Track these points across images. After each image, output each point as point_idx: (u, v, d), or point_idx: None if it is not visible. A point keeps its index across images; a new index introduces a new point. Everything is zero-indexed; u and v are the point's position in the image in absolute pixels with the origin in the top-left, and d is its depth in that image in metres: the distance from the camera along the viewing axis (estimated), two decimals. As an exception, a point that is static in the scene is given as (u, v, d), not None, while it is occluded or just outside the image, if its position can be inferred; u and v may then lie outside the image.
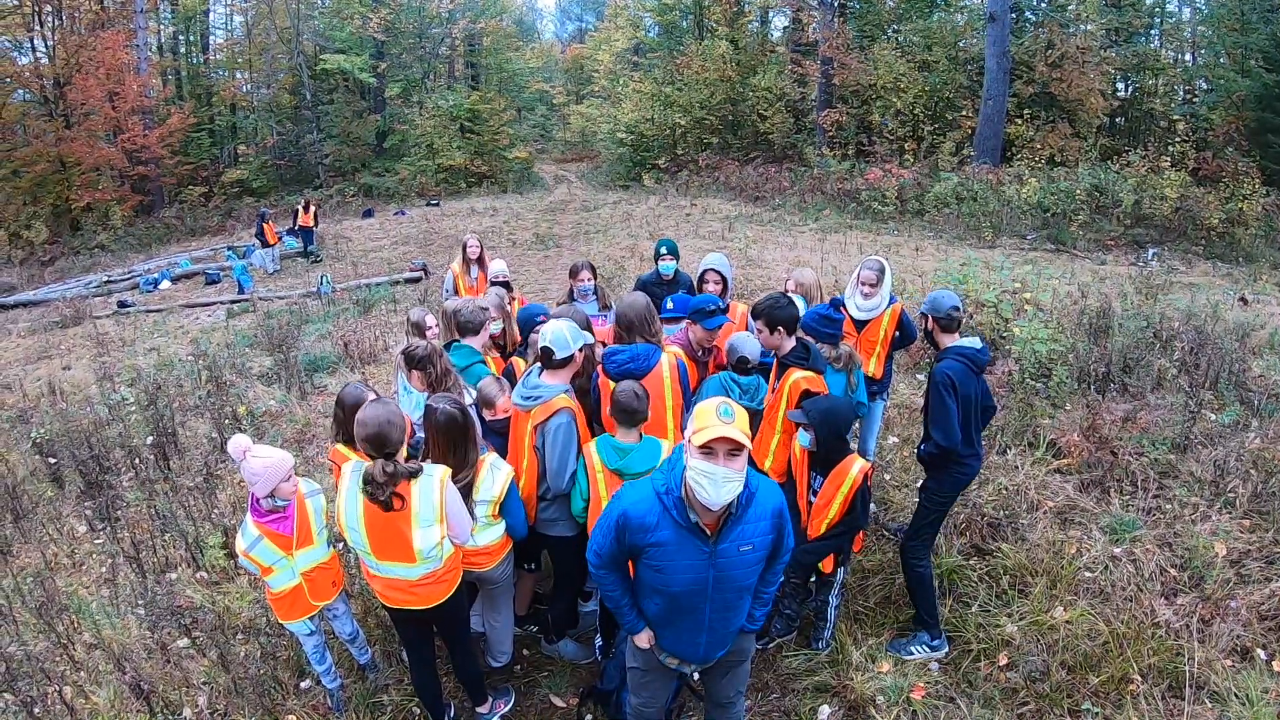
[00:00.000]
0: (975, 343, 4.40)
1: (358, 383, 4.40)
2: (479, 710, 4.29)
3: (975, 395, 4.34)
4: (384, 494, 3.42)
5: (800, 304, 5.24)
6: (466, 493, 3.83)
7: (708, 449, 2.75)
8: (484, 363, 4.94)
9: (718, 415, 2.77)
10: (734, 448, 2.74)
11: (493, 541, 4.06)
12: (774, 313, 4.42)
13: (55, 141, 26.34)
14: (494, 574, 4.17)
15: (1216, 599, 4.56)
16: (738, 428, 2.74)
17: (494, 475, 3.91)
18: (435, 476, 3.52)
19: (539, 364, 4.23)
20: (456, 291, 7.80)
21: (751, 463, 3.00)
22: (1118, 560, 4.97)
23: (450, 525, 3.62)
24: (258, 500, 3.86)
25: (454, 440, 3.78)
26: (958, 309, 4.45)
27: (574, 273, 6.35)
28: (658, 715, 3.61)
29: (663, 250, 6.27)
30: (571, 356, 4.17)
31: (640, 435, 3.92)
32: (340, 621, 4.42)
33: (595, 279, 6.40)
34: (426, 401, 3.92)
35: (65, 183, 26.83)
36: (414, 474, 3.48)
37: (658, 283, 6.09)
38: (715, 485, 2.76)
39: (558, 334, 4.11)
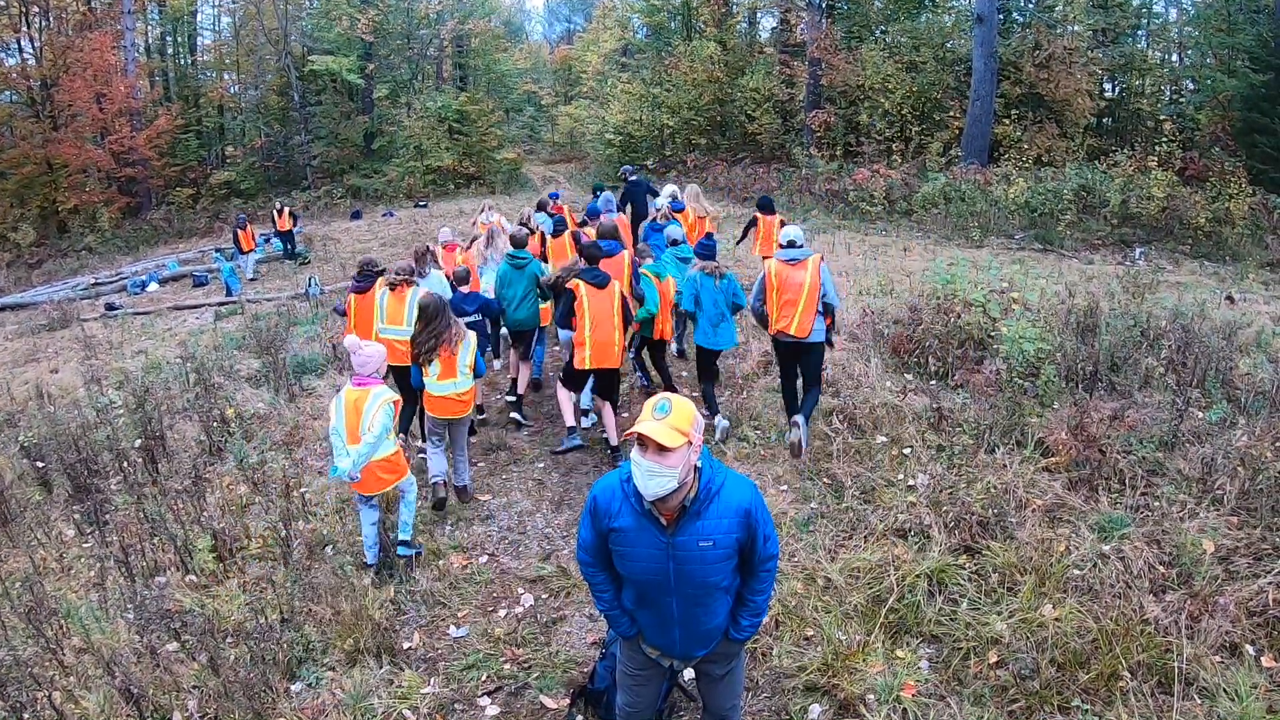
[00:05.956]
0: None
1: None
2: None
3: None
4: (399, 279, 7.00)
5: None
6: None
7: (640, 440, 2.81)
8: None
9: (653, 411, 2.83)
10: (661, 444, 2.77)
11: (466, 390, 6.38)
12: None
13: (42, 143, 26.19)
14: (466, 418, 6.68)
15: (1205, 595, 4.58)
16: (668, 425, 2.77)
17: (467, 347, 6.26)
18: (417, 292, 6.85)
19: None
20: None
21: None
22: (1106, 558, 4.99)
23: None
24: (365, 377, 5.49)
25: (429, 318, 6.18)
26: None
27: (541, 206, 11.14)
28: (648, 716, 3.61)
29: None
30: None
31: None
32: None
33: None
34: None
35: (52, 184, 26.69)
36: (415, 283, 7.11)
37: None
38: (642, 477, 2.82)
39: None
